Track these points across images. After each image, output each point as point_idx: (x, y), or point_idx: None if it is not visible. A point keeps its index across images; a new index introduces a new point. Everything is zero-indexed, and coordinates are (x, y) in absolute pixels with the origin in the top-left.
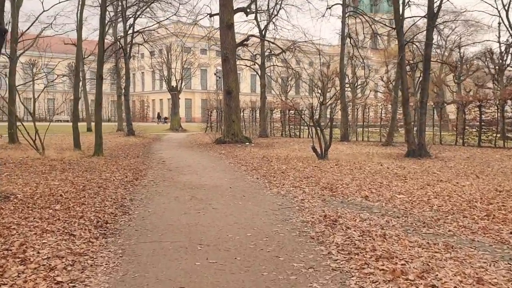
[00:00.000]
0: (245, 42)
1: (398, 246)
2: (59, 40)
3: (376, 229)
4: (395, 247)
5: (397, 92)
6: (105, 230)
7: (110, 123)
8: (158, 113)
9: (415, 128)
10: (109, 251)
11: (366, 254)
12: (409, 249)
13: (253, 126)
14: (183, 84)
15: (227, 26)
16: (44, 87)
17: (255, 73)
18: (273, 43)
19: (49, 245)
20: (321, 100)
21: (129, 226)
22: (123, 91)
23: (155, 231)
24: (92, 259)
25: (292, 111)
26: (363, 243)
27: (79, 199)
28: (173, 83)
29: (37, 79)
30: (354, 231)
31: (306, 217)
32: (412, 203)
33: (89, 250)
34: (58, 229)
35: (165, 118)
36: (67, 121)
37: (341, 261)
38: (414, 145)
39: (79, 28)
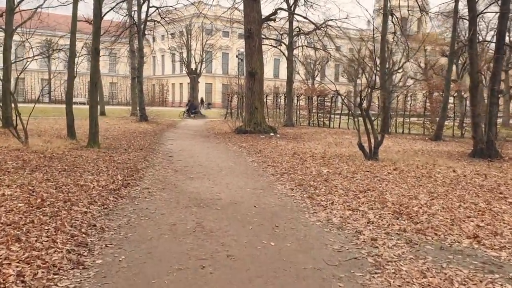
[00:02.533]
0: (272, 17)
1: None
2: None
3: None
4: None
5: (449, 78)
6: None
7: (127, 106)
8: (202, 98)
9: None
10: None
11: None
12: None
13: (277, 114)
14: (203, 67)
15: None
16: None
17: (279, 56)
18: (305, 17)
19: None
20: (370, 82)
21: None
22: (137, 72)
23: None
24: None
25: (321, 98)
26: None
27: (19, 228)
28: (193, 66)
29: (36, 57)
30: None
31: None
32: None
33: None
34: None
35: (209, 104)
36: (84, 103)
37: None
38: (483, 142)
39: None
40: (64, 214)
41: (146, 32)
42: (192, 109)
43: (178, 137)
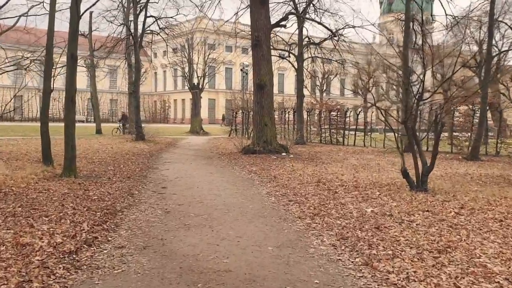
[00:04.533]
0: (283, 23)
1: None
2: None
3: None
4: None
5: (486, 89)
6: None
7: None
8: (223, 115)
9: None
10: None
11: None
12: None
13: (286, 130)
14: (206, 82)
15: (260, 1)
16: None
17: (283, 71)
18: (319, 23)
19: None
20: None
21: None
22: (133, 86)
23: None
24: None
25: (334, 113)
26: None
27: None
28: (195, 81)
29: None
30: None
31: None
32: None
33: None
34: None
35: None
36: (82, 121)
37: None
38: None
39: None
40: None
41: (145, 45)
42: (126, 123)
43: (177, 159)
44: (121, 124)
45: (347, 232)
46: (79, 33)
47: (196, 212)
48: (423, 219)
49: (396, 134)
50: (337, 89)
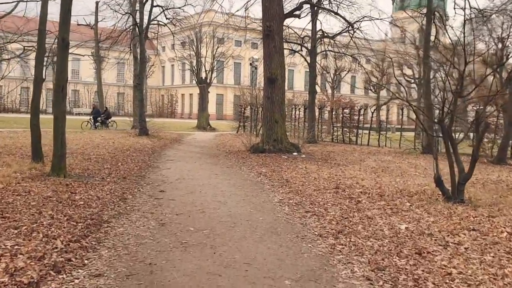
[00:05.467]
0: (297, 12)
1: None
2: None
3: None
4: None
5: None
6: None
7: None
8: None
9: None
10: None
11: None
12: None
13: (295, 128)
14: (214, 76)
15: None
16: None
17: (293, 67)
18: (336, 13)
19: None
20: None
21: None
22: (137, 79)
23: None
24: None
25: (346, 110)
26: None
27: None
28: (203, 75)
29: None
30: None
31: None
32: None
33: None
34: None
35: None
36: (88, 114)
37: None
38: None
39: None
40: None
41: (151, 37)
42: (97, 117)
43: (180, 157)
44: (91, 117)
45: (383, 259)
46: (84, 23)
47: (196, 226)
48: (471, 241)
49: (430, 135)
50: (347, 86)
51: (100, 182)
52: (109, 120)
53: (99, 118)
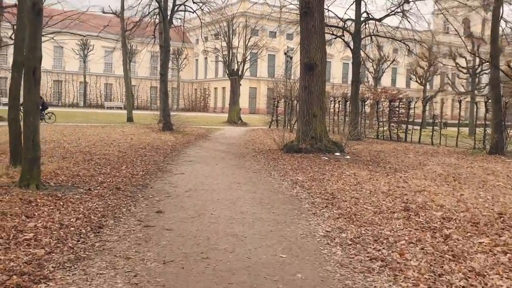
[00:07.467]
0: None
1: None
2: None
3: None
4: None
5: None
6: None
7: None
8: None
9: None
10: None
11: None
12: None
13: (335, 123)
14: (246, 68)
15: None
16: None
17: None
18: None
19: None
20: None
21: None
22: (161, 69)
23: None
24: None
25: (394, 103)
26: None
27: None
28: (234, 67)
29: None
30: None
31: None
32: None
33: None
34: None
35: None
36: (120, 108)
37: None
38: None
39: None
40: None
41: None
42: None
43: (201, 156)
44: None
45: None
46: (110, 11)
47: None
48: None
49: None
50: (387, 78)
51: (81, 197)
52: (45, 111)
53: (44, 113)
